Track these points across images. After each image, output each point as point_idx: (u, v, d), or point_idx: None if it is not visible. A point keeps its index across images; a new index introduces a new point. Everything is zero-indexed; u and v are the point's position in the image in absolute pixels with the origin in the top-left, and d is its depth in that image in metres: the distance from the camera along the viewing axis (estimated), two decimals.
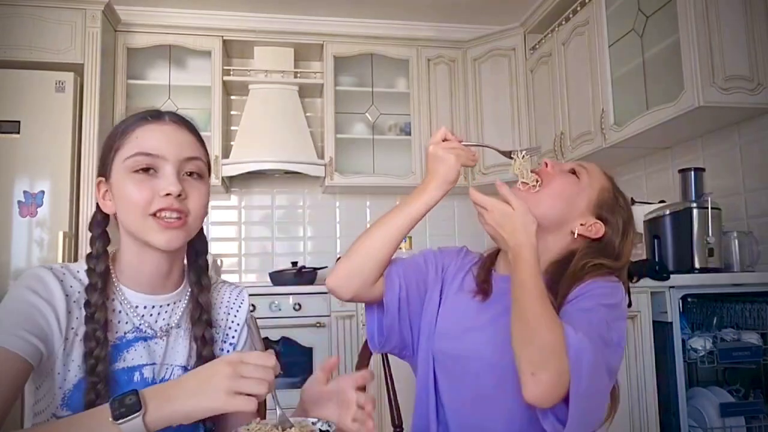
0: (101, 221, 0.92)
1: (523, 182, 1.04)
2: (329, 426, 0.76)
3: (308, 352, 2.99)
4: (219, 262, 3.52)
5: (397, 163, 3.56)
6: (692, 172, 2.18)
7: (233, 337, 1.01)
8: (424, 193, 1.02)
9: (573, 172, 1.08)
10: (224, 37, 3.38)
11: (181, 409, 0.69)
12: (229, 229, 3.64)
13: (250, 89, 3.46)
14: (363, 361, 1.26)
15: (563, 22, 3.04)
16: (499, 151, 1.08)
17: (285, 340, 2.98)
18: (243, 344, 1.01)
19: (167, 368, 0.90)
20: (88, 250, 0.91)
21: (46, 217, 2.74)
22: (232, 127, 3.55)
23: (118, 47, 3.23)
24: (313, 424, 0.75)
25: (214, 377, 0.69)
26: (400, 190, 3.63)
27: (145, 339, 0.89)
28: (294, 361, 2.99)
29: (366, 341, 1.28)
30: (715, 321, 2.03)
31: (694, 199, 2.14)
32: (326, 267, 3.44)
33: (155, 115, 0.90)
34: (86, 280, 0.87)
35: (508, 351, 0.90)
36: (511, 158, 1.05)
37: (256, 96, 3.45)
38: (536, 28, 3.37)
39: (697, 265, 2.06)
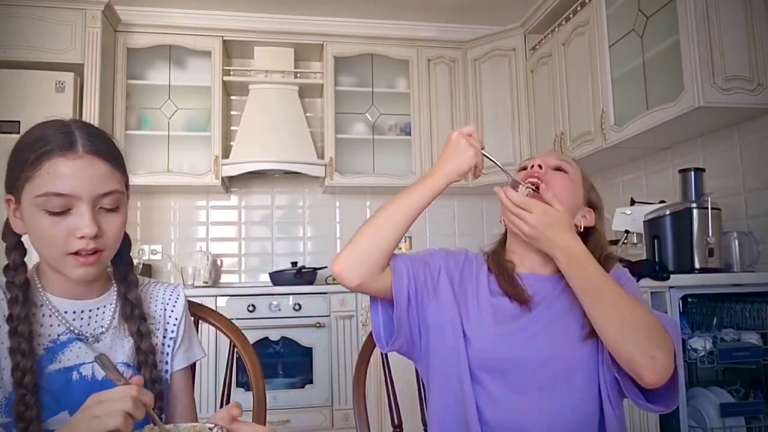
0: (15, 231, 0.89)
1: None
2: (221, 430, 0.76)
3: (308, 352, 2.99)
4: (219, 262, 3.52)
5: (397, 163, 3.56)
6: (692, 172, 2.18)
7: (172, 332, 1.01)
8: (432, 179, 1.00)
9: (559, 168, 1.08)
10: (224, 37, 3.38)
11: None
12: (229, 229, 3.64)
13: (250, 89, 3.46)
14: (363, 360, 1.26)
15: (563, 23, 3.04)
16: (510, 177, 1.05)
17: (285, 340, 2.98)
18: (182, 338, 1.02)
19: None
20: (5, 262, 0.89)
21: None
22: (232, 127, 3.55)
23: (118, 47, 3.23)
24: (210, 429, 0.74)
25: (73, 428, 0.67)
26: (401, 191, 3.61)
27: (80, 339, 0.89)
28: (294, 361, 3.00)
29: (366, 341, 1.27)
30: (715, 321, 2.03)
31: (694, 199, 2.14)
32: (326, 267, 3.44)
33: (67, 145, 0.83)
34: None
35: (564, 343, 0.95)
36: (517, 184, 1.03)
37: (256, 96, 3.45)
38: (536, 29, 3.37)
39: (697, 265, 2.06)
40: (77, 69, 2.90)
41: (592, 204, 1.11)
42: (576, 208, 1.07)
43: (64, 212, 0.82)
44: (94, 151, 0.84)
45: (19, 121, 2.74)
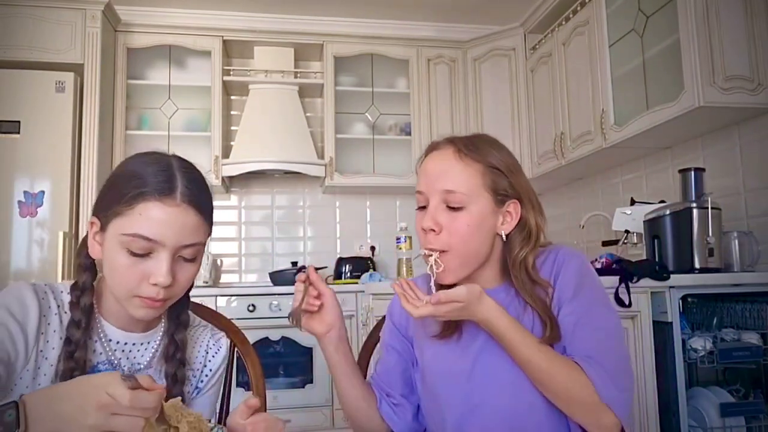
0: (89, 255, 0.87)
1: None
2: (221, 429, 0.76)
3: (308, 352, 2.99)
4: (219, 262, 3.52)
5: (397, 163, 3.56)
6: (692, 172, 2.18)
7: (202, 381, 0.98)
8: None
9: (452, 207, 0.93)
10: (224, 37, 3.39)
11: (59, 429, 0.65)
12: (229, 229, 3.64)
13: (250, 89, 3.46)
14: (363, 360, 1.26)
15: (563, 22, 3.04)
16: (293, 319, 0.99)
17: (285, 340, 2.98)
18: (209, 389, 0.99)
19: None
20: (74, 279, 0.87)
21: (46, 217, 2.74)
22: (232, 127, 3.55)
23: (118, 47, 3.23)
24: (211, 430, 0.73)
25: (85, 407, 0.63)
26: (400, 190, 3.63)
27: (114, 370, 0.88)
28: (294, 361, 3.00)
29: (366, 340, 1.28)
30: (715, 321, 2.03)
31: (694, 199, 2.14)
32: (326, 267, 3.44)
33: (167, 190, 0.80)
34: (67, 303, 0.86)
35: (513, 367, 0.91)
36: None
37: (256, 96, 3.45)
38: (536, 28, 3.37)
39: (697, 265, 2.06)
40: (77, 69, 2.90)
41: (505, 193, 0.95)
42: (491, 228, 0.95)
43: (144, 255, 0.80)
44: (190, 201, 0.82)
45: (19, 121, 2.74)
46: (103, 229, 0.83)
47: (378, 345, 1.16)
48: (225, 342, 1.03)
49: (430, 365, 1.02)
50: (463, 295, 0.87)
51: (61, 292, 0.87)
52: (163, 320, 0.95)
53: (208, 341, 1.00)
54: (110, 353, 0.88)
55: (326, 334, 0.97)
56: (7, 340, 0.78)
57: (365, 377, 1.16)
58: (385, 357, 1.10)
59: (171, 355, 0.91)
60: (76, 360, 0.81)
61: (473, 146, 0.96)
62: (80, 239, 0.92)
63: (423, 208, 0.97)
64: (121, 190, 0.81)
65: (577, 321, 0.92)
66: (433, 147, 1.00)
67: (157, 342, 0.93)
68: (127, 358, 0.90)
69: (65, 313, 0.85)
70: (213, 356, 1.00)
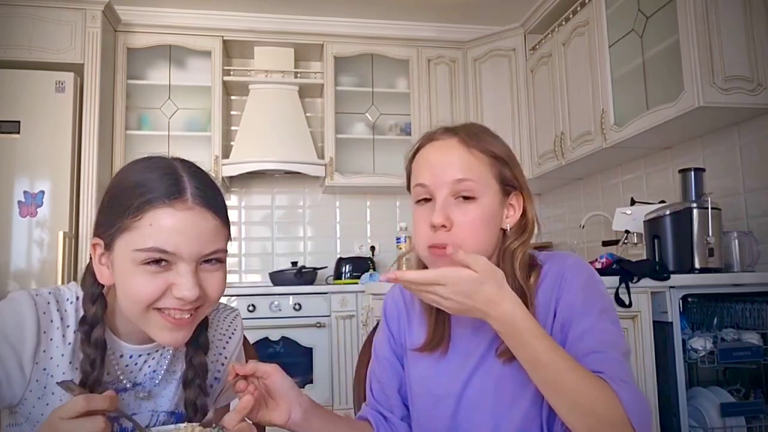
0: (98, 282, 0.78)
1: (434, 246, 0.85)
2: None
3: (308, 352, 2.99)
4: None
5: (398, 163, 3.53)
6: (692, 172, 2.18)
7: (219, 371, 0.92)
8: None
9: (463, 197, 0.86)
10: (224, 37, 3.39)
11: None
12: None
13: (250, 89, 3.46)
14: (364, 360, 1.26)
15: (563, 23, 3.04)
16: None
17: (285, 340, 2.98)
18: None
19: (153, 414, 0.85)
20: (81, 311, 0.79)
21: (46, 217, 2.74)
22: (232, 127, 3.56)
23: (118, 47, 3.23)
24: (214, 427, 0.72)
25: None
26: (401, 190, 3.61)
27: (125, 390, 0.82)
28: (294, 361, 3.00)
29: (366, 340, 1.28)
30: (715, 321, 2.03)
31: (694, 199, 2.14)
32: (326, 267, 3.44)
33: (175, 193, 0.72)
34: (73, 313, 0.79)
35: (507, 392, 0.85)
36: None
37: (257, 96, 3.45)
38: (536, 29, 3.37)
39: (697, 265, 2.06)
40: (77, 69, 2.90)
41: (511, 183, 0.89)
42: (497, 223, 0.88)
43: (164, 266, 0.72)
44: (204, 202, 0.73)
45: (19, 121, 2.74)
46: (108, 248, 0.75)
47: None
48: (239, 322, 0.97)
49: (415, 385, 0.95)
50: (484, 265, 0.74)
51: (67, 300, 0.80)
52: None
53: (221, 324, 0.94)
54: (119, 369, 0.82)
55: (290, 419, 0.85)
56: None
57: (363, 392, 1.11)
58: (378, 372, 1.01)
59: (190, 380, 0.83)
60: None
61: (474, 135, 0.89)
62: (80, 240, 0.90)
63: (424, 201, 0.90)
64: (123, 201, 0.72)
65: (586, 335, 0.82)
66: (430, 137, 0.94)
67: (170, 352, 0.86)
68: (140, 370, 0.84)
69: (67, 326, 0.79)
70: (227, 342, 0.94)
